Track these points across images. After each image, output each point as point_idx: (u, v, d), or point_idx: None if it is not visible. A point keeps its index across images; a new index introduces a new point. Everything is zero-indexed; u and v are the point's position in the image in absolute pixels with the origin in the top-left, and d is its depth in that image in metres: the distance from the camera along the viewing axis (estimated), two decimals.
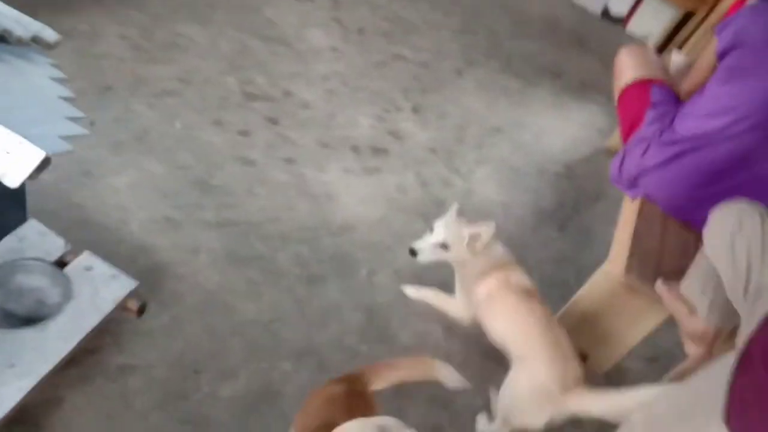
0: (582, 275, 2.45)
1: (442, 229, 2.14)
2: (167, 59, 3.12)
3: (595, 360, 2.38)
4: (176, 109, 2.86)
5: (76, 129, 1.51)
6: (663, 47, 5.26)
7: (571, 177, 3.59)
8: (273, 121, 3.02)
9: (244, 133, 2.88)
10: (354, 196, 2.79)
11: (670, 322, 2.11)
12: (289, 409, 1.92)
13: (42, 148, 1.28)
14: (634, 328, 2.24)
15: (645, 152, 2.46)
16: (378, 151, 3.11)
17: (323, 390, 1.52)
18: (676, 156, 2.37)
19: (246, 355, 2.02)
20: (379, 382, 1.61)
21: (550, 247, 3.05)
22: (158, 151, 2.61)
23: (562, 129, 3.97)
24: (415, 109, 3.52)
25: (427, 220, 2.81)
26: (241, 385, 1.95)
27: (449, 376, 1.67)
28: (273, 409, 1.93)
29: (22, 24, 1.72)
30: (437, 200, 2.98)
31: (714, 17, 4.72)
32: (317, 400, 1.49)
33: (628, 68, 2.91)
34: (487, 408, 2.15)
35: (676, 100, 2.65)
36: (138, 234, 2.25)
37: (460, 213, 2.23)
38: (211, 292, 2.16)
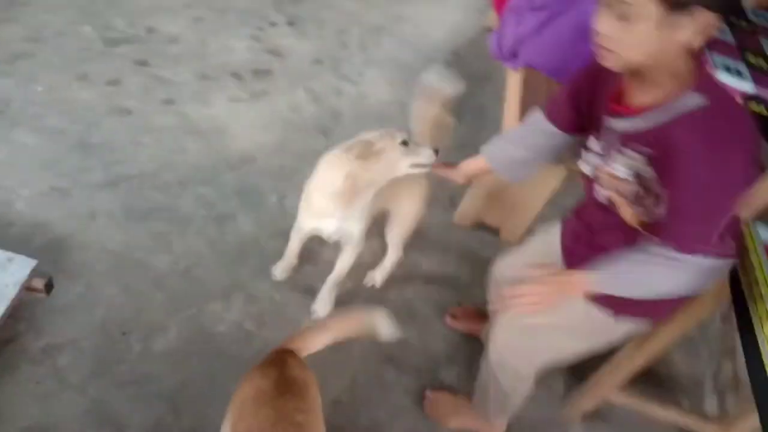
0: None
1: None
2: (10, 19, 2.85)
3: (507, 231, 2.50)
4: (34, 71, 2.65)
5: None
6: None
7: (459, 63, 3.61)
8: (142, 63, 2.84)
9: (114, 83, 2.71)
10: (246, 125, 2.72)
11: (570, 181, 2.23)
12: (228, 347, 1.95)
13: None
14: (537, 193, 2.35)
15: (518, 22, 2.49)
16: (261, 73, 3.01)
17: (254, 381, 1.40)
18: (548, 20, 2.41)
19: (171, 306, 2.01)
20: (312, 348, 1.56)
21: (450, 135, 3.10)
22: (26, 121, 2.43)
23: (443, 16, 3.95)
24: (291, 22, 3.40)
25: (326, 135, 2.79)
26: (173, 336, 1.94)
27: (385, 328, 1.62)
28: (211, 350, 1.94)
29: None
30: (333, 112, 2.94)
31: None
32: (247, 396, 1.38)
33: None
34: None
35: None
36: (27, 212, 2.13)
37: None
38: (119, 254, 2.09)
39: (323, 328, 1.58)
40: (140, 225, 2.20)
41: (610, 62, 1.21)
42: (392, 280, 2.34)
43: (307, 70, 3.12)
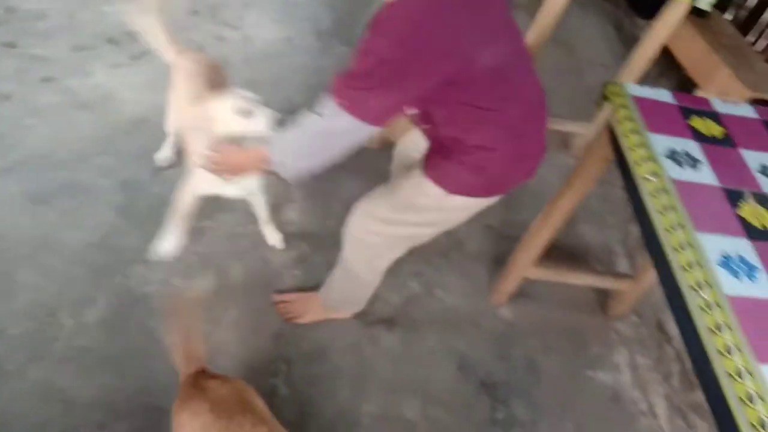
0: None
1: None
2: None
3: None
4: None
5: None
6: None
7: None
8: (10, 45, 2.70)
9: None
10: (132, 88, 2.65)
11: None
12: (161, 304, 1.98)
13: None
14: None
15: None
16: (137, 34, 2.91)
17: (189, 425, 1.32)
18: None
19: (94, 278, 2.00)
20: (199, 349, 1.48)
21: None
22: None
23: None
24: None
25: None
26: (102, 306, 1.94)
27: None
28: (145, 311, 1.97)
29: None
30: (219, 60, 2.89)
31: None
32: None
33: None
34: None
35: None
36: None
37: None
38: (29, 238, 2.05)
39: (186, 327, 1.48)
40: (45, 206, 2.15)
41: None
42: (314, 214, 2.40)
43: (184, 23, 3.04)
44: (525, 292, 2.35)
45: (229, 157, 1.59)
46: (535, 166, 1.60)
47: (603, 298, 2.44)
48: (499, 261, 2.41)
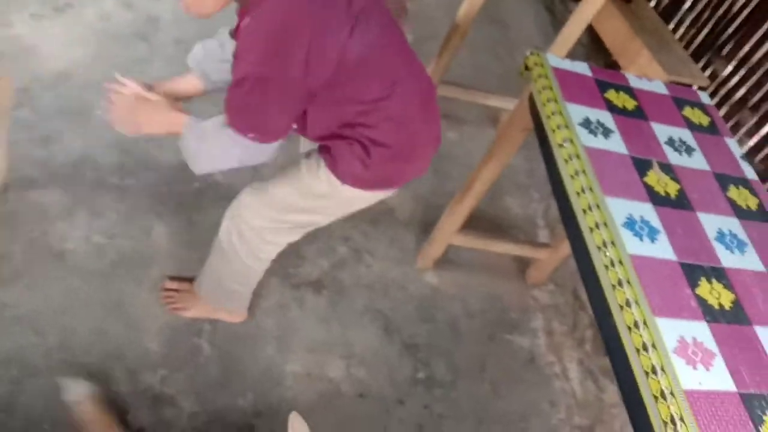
0: None
1: None
2: None
3: None
4: None
5: None
6: None
7: None
8: None
9: None
10: (55, 41, 2.53)
11: None
12: (81, 262, 1.94)
13: None
14: None
15: None
16: None
17: None
18: None
19: (10, 234, 1.93)
20: None
21: None
22: None
23: None
24: None
25: (146, 40, 2.68)
26: (19, 261, 1.89)
27: None
28: (64, 268, 1.92)
29: None
30: (149, 17, 2.81)
31: None
32: None
33: None
34: None
35: None
36: None
37: None
38: None
39: None
40: None
41: None
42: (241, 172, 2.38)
43: None
44: (450, 259, 2.42)
45: (143, 109, 1.52)
46: (427, 160, 1.61)
47: (523, 266, 2.55)
48: (426, 228, 2.47)
